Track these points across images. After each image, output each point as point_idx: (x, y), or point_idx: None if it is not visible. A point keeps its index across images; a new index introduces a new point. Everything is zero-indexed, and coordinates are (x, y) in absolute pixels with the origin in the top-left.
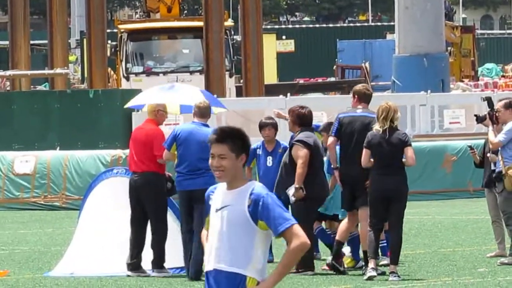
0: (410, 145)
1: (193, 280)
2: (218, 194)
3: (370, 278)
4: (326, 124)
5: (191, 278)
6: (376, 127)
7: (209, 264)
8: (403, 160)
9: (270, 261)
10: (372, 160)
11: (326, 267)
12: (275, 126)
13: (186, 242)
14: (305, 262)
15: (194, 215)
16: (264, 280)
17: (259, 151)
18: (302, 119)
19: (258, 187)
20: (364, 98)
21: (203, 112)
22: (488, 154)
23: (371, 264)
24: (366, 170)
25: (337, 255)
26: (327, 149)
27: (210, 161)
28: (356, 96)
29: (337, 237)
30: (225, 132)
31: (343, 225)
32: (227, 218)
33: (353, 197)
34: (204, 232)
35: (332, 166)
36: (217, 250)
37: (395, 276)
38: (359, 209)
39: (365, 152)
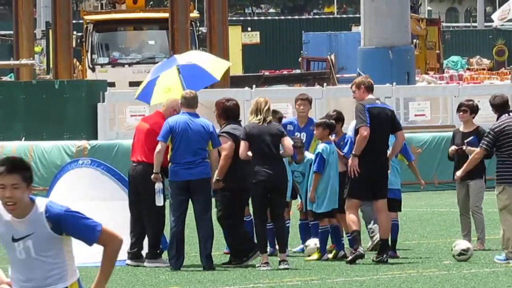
0: (286, 135)
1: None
2: (6, 224)
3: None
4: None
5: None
6: (253, 120)
7: None
8: (281, 152)
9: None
10: (249, 152)
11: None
12: (310, 101)
13: (175, 233)
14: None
15: (195, 205)
16: (95, 284)
17: (290, 127)
18: (227, 112)
19: (51, 207)
20: (370, 88)
21: (189, 103)
22: (464, 147)
23: (264, 259)
24: (387, 161)
25: (356, 243)
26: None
27: (0, 193)
28: (362, 87)
29: (353, 228)
30: (16, 163)
31: (349, 217)
32: (35, 245)
33: (372, 187)
34: None
35: (354, 152)
36: (34, 281)
37: (286, 264)
38: (380, 200)
39: (243, 144)
